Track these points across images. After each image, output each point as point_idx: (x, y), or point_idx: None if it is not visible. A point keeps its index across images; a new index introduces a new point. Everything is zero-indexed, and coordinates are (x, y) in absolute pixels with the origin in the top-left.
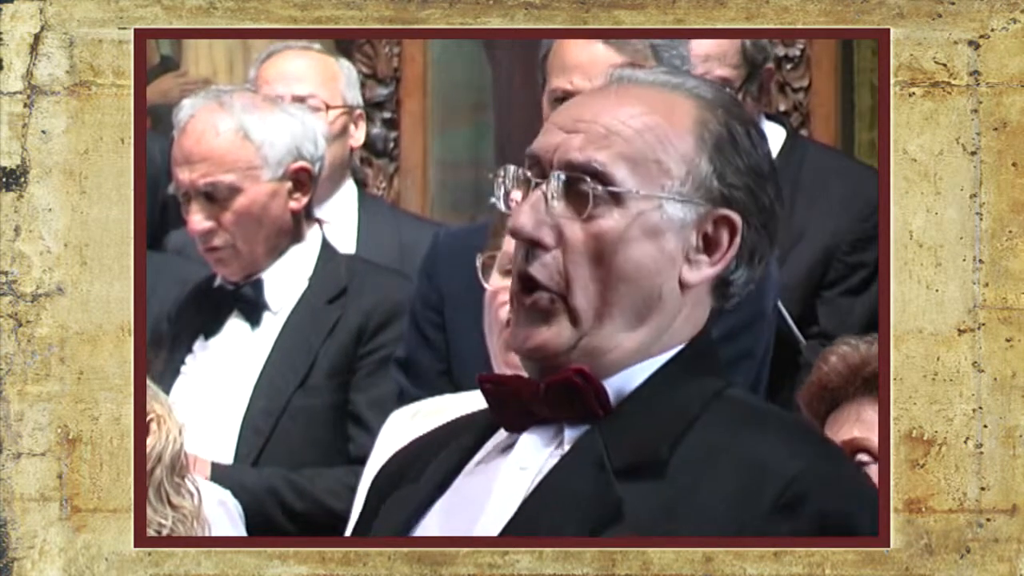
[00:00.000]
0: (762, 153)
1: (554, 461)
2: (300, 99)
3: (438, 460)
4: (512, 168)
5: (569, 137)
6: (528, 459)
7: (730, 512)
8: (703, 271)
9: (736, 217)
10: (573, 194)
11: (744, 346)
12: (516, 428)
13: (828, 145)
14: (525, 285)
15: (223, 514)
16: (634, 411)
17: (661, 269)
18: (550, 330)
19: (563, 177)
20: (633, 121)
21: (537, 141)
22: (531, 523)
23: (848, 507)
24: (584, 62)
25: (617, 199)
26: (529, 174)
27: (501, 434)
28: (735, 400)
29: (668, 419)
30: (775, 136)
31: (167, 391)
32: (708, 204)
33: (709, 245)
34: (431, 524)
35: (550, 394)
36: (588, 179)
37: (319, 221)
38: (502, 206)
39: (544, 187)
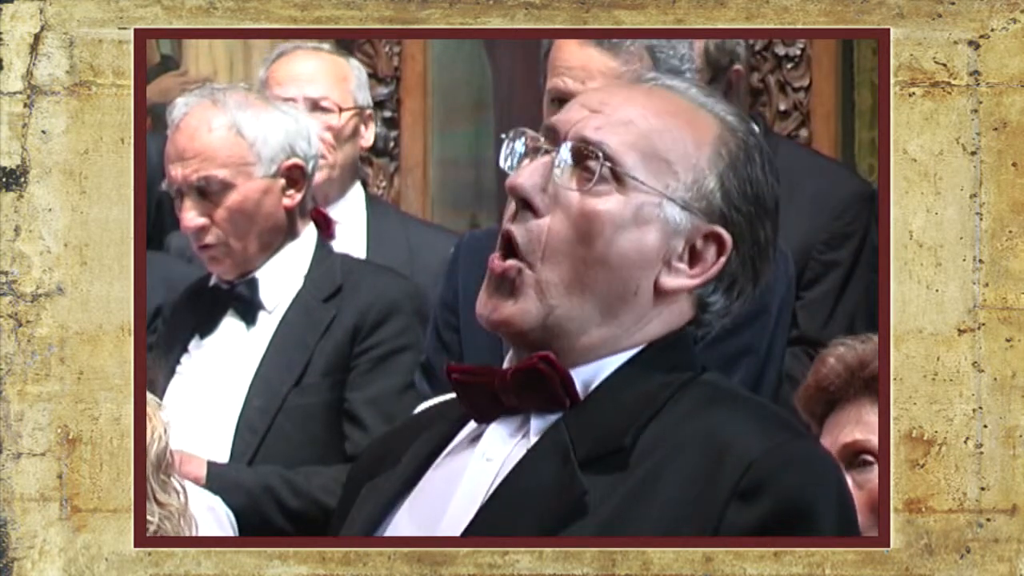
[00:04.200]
0: (770, 187)
1: (520, 452)
2: (312, 101)
3: (410, 452)
4: (526, 132)
5: (590, 116)
6: (494, 450)
7: (690, 499)
8: (681, 280)
9: (728, 237)
10: (579, 168)
11: (745, 342)
12: (484, 419)
13: (801, 143)
14: (504, 246)
15: (212, 520)
16: (601, 401)
17: (643, 265)
18: (516, 305)
19: (574, 148)
20: (655, 118)
21: (558, 114)
22: (496, 518)
23: (806, 497)
24: (576, 65)
25: (620, 183)
26: (542, 141)
27: (471, 425)
28: (706, 383)
29: (634, 407)
30: None
31: (163, 391)
32: (705, 217)
33: (694, 257)
34: (402, 517)
35: (516, 381)
36: (599, 155)
37: (332, 222)
38: (504, 165)
39: (553, 155)
